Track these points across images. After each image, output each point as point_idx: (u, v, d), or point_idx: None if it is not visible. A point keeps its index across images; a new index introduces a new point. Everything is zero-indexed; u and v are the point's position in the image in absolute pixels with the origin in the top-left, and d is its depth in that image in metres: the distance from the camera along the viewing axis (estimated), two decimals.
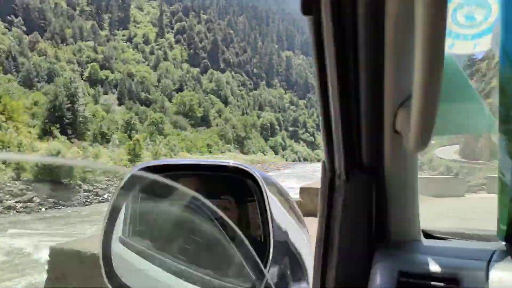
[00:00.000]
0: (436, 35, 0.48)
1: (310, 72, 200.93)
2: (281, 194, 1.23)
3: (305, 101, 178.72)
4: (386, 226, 0.79)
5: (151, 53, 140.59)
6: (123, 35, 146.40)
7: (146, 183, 1.16)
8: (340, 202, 0.77)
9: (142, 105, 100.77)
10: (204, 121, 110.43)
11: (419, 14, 0.48)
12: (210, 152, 63.62)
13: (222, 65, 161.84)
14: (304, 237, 1.15)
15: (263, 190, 1.06)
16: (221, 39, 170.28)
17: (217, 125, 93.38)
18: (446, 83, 0.58)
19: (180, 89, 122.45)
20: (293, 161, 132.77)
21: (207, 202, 0.85)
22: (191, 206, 1.03)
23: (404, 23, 0.57)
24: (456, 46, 0.79)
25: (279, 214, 1.07)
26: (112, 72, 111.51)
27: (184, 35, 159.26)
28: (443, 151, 72.98)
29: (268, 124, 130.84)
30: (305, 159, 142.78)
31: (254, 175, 1.10)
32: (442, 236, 1.02)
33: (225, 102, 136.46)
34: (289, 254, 1.06)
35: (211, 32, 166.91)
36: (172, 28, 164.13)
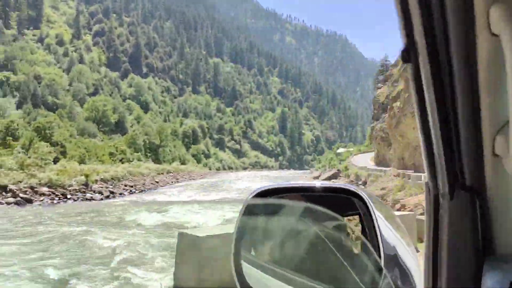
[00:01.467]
0: None
1: (238, 80, 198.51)
2: (387, 210, 1.30)
3: (232, 109, 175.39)
4: (493, 240, 0.81)
5: (65, 55, 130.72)
6: (34, 35, 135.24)
7: (265, 204, 1.27)
8: (445, 220, 0.81)
9: (47, 110, 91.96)
10: (120, 128, 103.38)
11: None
12: (113, 161, 57.59)
13: (145, 70, 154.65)
14: (410, 251, 1.19)
15: (370, 207, 1.13)
16: (144, 43, 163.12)
17: (134, 132, 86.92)
18: None
19: (94, 94, 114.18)
20: (217, 169, 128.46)
21: (320, 219, 0.99)
22: (306, 223, 1.11)
23: (497, 57, 0.63)
24: None
25: (386, 230, 1.13)
26: (15, 73, 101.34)
27: (103, 38, 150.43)
28: (358, 158, 72.14)
29: (191, 132, 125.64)
30: (230, 168, 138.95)
31: (360, 194, 1.17)
32: None
33: (146, 108, 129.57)
34: (398, 266, 1.12)
35: (133, 35, 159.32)
36: (90, 30, 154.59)
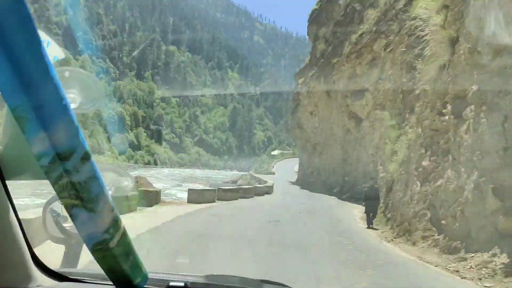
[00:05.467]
0: None
1: (192, 71, 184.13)
2: None
3: (178, 99, 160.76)
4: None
5: None
6: None
7: None
8: None
9: None
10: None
11: None
12: None
13: (80, 46, 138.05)
14: None
15: None
16: (86, 17, 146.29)
17: None
18: None
19: None
20: (146, 163, 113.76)
21: None
22: None
23: None
24: None
25: None
26: None
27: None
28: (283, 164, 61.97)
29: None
30: (164, 163, 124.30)
31: None
32: (80, 278, 0.97)
33: None
34: None
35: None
36: None
